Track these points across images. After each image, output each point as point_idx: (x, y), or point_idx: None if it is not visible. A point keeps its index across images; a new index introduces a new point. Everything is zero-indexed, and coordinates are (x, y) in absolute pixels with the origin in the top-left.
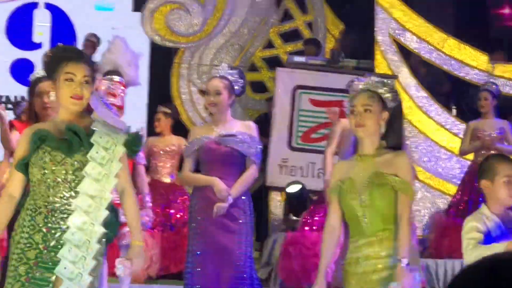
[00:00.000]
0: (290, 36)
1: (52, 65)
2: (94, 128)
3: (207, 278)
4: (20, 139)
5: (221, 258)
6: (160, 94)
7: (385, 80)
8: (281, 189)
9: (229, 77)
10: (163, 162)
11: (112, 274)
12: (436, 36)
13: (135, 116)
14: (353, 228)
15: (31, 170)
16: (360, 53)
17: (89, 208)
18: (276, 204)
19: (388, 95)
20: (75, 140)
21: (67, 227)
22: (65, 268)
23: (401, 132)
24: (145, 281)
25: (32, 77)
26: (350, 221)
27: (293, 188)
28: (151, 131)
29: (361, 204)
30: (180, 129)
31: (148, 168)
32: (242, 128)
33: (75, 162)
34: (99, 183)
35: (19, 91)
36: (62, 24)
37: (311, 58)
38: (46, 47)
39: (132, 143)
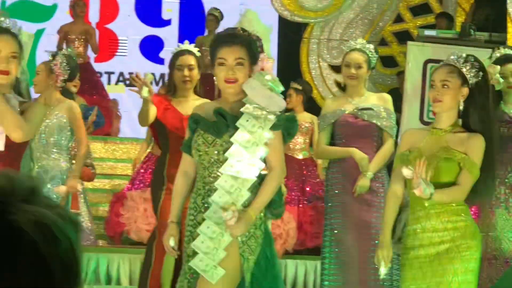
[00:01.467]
0: (420, 10)
1: (212, 51)
2: (242, 111)
3: (345, 254)
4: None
5: (360, 233)
6: (289, 69)
7: (467, 55)
8: None
9: (367, 51)
10: (296, 139)
11: None
12: None
13: None
14: (413, 199)
15: (193, 152)
16: (492, 26)
17: (231, 188)
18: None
19: (468, 70)
20: (221, 122)
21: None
22: (202, 242)
23: (485, 111)
24: (282, 256)
25: (174, 50)
26: (412, 192)
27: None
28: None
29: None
30: (310, 105)
31: None
32: (378, 101)
33: (224, 143)
34: (241, 164)
35: (149, 67)
36: (190, 1)
37: (442, 31)
38: (175, 23)
39: (286, 126)
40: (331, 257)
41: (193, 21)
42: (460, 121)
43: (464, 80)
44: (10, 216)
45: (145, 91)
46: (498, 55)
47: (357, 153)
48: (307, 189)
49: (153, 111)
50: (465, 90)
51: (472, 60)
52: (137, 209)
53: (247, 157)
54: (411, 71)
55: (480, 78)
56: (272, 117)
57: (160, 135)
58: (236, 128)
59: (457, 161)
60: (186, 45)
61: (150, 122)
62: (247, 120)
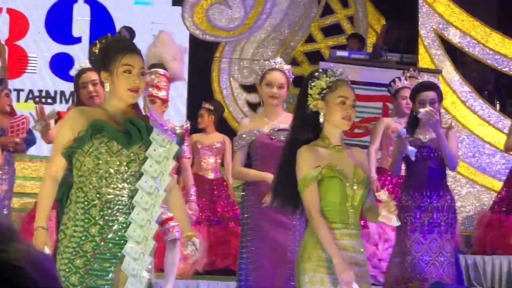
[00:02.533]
0: (332, 31)
1: (108, 56)
2: (151, 125)
3: (262, 275)
4: (66, 124)
5: (275, 254)
6: (200, 89)
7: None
8: None
9: (286, 71)
10: (207, 159)
11: (158, 269)
12: (480, 30)
13: (176, 112)
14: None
15: (82, 159)
16: (403, 48)
17: (147, 205)
18: None
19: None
20: (134, 132)
21: (124, 219)
22: (128, 264)
23: None
24: (192, 276)
25: (75, 70)
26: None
27: None
28: (192, 126)
29: (353, 194)
30: (222, 124)
31: (191, 164)
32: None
33: (131, 154)
34: (154, 180)
35: (59, 85)
36: (101, 19)
37: (353, 52)
38: (85, 41)
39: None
40: (247, 280)
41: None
42: None
43: None
44: (3, 254)
45: (38, 126)
46: (408, 75)
47: (272, 178)
48: (218, 209)
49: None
50: None
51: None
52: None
53: (159, 173)
54: None
55: None
56: (177, 131)
57: None
58: (147, 140)
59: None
60: (86, 63)
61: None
62: (158, 134)
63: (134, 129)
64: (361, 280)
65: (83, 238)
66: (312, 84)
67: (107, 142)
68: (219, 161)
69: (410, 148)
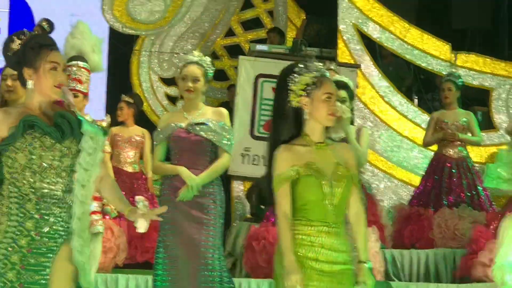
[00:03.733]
0: (252, 24)
1: (31, 52)
2: (81, 118)
3: (177, 272)
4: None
5: (189, 249)
6: (120, 82)
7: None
8: (244, 178)
9: (204, 64)
10: (126, 152)
11: None
12: (399, 25)
13: (95, 104)
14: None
15: (14, 155)
16: (322, 42)
17: (82, 198)
18: (239, 193)
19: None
20: (66, 126)
21: (59, 213)
22: (77, 258)
23: None
24: (112, 270)
25: None
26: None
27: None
28: (111, 119)
29: (331, 191)
30: (140, 117)
31: (110, 157)
32: (214, 116)
33: (64, 148)
34: (87, 173)
35: None
36: (20, 10)
37: (273, 46)
38: (4, 33)
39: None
40: (164, 274)
41: (23, 28)
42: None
43: None
44: None
45: None
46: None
47: (184, 172)
48: None
49: None
50: None
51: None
52: None
53: (91, 165)
54: (242, 85)
55: None
56: (102, 125)
57: None
58: (78, 133)
59: (350, 178)
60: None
61: None
62: (87, 128)
63: (65, 123)
64: (342, 277)
65: (18, 233)
66: (295, 79)
67: (40, 137)
68: (138, 154)
69: None
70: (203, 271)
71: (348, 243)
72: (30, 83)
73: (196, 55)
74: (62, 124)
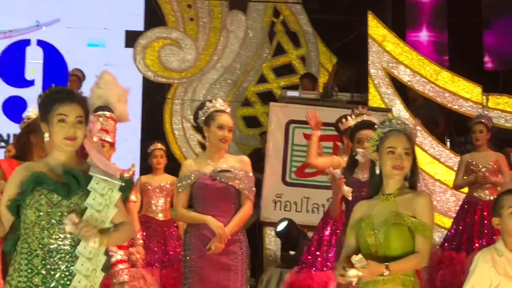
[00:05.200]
0: (284, 71)
1: (45, 106)
2: (91, 174)
3: None
4: (11, 178)
5: None
6: (153, 130)
7: (402, 119)
8: (275, 225)
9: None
10: (156, 200)
11: None
12: (429, 68)
13: (128, 152)
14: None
15: (25, 212)
16: (353, 87)
17: (90, 254)
18: (271, 239)
19: (413, 134)
20: (73, 183)
21: (66, 268)
22: None
23: (417, 169)
24: None
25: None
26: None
27: (280, 226)
28: (144, 167)
29: (375, 243)
30: (172, 165)
31: (141, 206)
32: (236, 163)
33: (71, 204)
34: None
35: (12, 128)
36: (54, 61)
37: (304, 92)
38: (38, 84)
39: (126, 189)
40: None
41: (57, 81)
42: (406, 182)
43: (412, 144)
44: None
45: None
46: (357, 113)
47: (212, 222)
48: (169, 250)
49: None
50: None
51: (407, 122)
52: None
53: (100, 221)
54: (273, 131)
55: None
56: (118, 180)
57: None
58: (83, 190)
59: (406, 225)
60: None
61: None
62: (97, 183)
63: (72, 180)
64: None
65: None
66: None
67: (46, 194)
68: (168, 202)
69: (345, 188)
70: None
71: None
72: (46, 136)
73: (222, 104)
74: (70, 181)
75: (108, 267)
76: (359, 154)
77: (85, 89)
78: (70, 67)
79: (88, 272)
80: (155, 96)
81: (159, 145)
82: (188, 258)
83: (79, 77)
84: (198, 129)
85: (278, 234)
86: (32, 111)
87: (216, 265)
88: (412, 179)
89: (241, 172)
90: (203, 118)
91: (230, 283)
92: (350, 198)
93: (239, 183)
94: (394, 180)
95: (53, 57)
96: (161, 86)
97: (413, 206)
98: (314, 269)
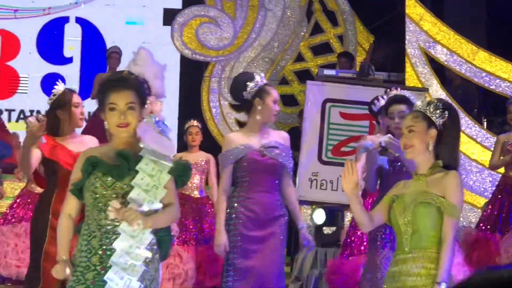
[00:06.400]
0: (321, 49)
1: (100, 96)
2: (141, 155)
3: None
4: (76, 165)
5: (259, 274)
6: (190, 108)
7: (432, 100)
8: (312, 203)
9: None
10: (192, 176)
11: None
12: (467, 48)
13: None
14: (397, 242)
15: (85, 195)
16: (390, 66)
17: (134, 232)
18: (306, 218)
19: (432, 112)
20: (124, 165)
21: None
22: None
23: (454, 148)
24: None
25: (57, 91)
26: (396, 236)
27: (319, 219)
28: (181, 145)
29: (404, 221)
30: (207, 143)
31: None
32: (279, 139)
33: (125, 186)
34: (143, 208)
35: None
36: (92, 39)
37: (341, 71)
38: (77, 61)
39: (180, 173)
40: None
41: (95, 59)
42: (439, 162)
43: (430, 122)
44: None
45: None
46: (390, 94)
47: (219, 238)
48: (205, 228)
49: (36, 155)
50: (433, 132)
51: (435, 102)
52: (7, 244)
53: (148, 201)
54: (310, 110)
55: (446, 118)
56: (169, 161)
57: (48, 172)
58: (137, 172)
59: (435, 205)
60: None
61: (34, 167)
62: (147, 164)
63: (123, 162)
64: None
65: (86, 267)
66: None
67: (101, 177)
68: (204, 179)
69: (381, 157)
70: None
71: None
72: (106, 124)
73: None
74: (121, 162)
75: (166, 254)
76: (383, 141)
77: (122, 67)
78: (108, 45)
79: (130, 249)
80: (192, 74)
81: (195, 123)
82: (232, 232)
83: (118, 53)
84: (236, 107)
85: (318, 227)
86: (58, 87)
87: (260, 242)
88: (443, 157)
89: (286, 149)
90: (255, 89)
91: (272, 261)
92: (387, 167)
93: (286, 160)
94: (418, 159)
95: (91, 35)
96: (198, 64)
97: (443, 185)
98: (350, 253)
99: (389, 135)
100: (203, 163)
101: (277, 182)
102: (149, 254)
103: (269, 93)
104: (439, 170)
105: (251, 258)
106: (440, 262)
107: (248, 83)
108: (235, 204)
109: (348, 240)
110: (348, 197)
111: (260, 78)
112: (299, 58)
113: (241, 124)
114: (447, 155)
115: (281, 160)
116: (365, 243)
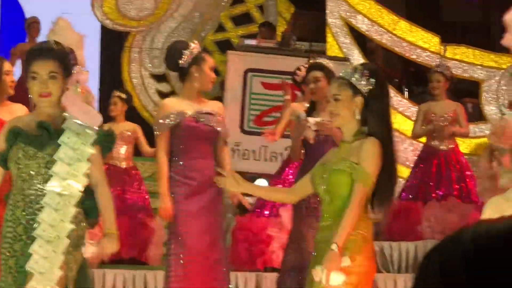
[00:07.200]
0: (242, 20)
1: (24, 66)
2: (63, 127)
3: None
4: (0, 134)
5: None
6: (111, 78)
7: (357, 66)
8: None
9: None
10: (118, 148)
11: None
12: (387, 18)
13: None
14: (321, 211)
15: (9, 165)
16: (311, 36)
17: (58, 206)
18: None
19: (357, 79)
20: (44, 135)
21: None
22: (36, 262)
23: (382, 115)
24: (98, 265)
25: None
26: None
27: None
28: (104, 115)
29: (322, 189)
30: (130, 114)
31: None
32: (215, 108)
33: (46, 156)
34: (66, 182)
35: None
36: (11, 9)
37: (262, 41)
38: None
39: (104, 140)
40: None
41: (14, 28)
42: (364, 128)
43: (356, 90)
44: None
45: None
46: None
47: (164, 202)
48: (128, 199)
49: None
50: (359, 100)
51: (361, 69)
52: None
53: (71, 174)
54: (231, 80)
55: (373, 85)
56: (92, 132)
57: None
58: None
59: (349, 172)
60: None
61: None
62: (69, 137)
63: (44, 132)
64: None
65: (13, 238)
66: None
67: (23, 147)
68: (130, 149)
69: (310, 127)
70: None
71: None
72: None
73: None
74: (43, 134)
75: (95, 221)
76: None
77: (42, 38)
78: (27, 15)
79: (54, 222)
80: (113, 45)
81: (117, 93)
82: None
83: (38, 24)
84: (156, 77)
85: None
86: None
87: (201, 209)
88: (369, 124)
89: (220, 116)
90: (191, 57)
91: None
92: (311, 141)
93: (221, 126)
94: (343, 128)
95: (10, 5)
96: (119, 34)
97: (358, 151)
98: (267, 212)
99: (320, 118)
100: (129, 133)
101: (212, 148)
102: (73, 227)
103: (205, 60)
104: (363, 137)
105: (192, 223)
106: (340, 225)
107: (183, 50)
108: (171, 173)
109: (261, 201)
110: (252, 192)
111: (195, 46)
112: (220, 28)
113: (162, 95)
114: (373, 122)
115: (215, 126)
116: (277, 206)
